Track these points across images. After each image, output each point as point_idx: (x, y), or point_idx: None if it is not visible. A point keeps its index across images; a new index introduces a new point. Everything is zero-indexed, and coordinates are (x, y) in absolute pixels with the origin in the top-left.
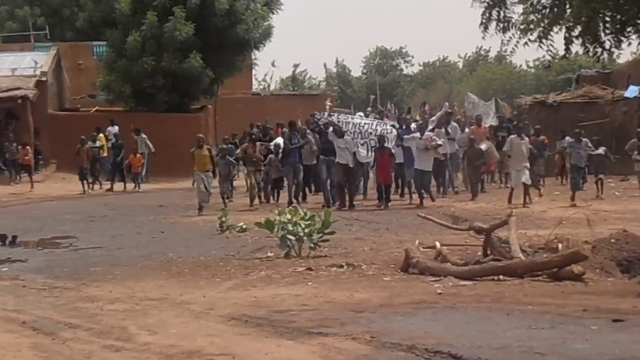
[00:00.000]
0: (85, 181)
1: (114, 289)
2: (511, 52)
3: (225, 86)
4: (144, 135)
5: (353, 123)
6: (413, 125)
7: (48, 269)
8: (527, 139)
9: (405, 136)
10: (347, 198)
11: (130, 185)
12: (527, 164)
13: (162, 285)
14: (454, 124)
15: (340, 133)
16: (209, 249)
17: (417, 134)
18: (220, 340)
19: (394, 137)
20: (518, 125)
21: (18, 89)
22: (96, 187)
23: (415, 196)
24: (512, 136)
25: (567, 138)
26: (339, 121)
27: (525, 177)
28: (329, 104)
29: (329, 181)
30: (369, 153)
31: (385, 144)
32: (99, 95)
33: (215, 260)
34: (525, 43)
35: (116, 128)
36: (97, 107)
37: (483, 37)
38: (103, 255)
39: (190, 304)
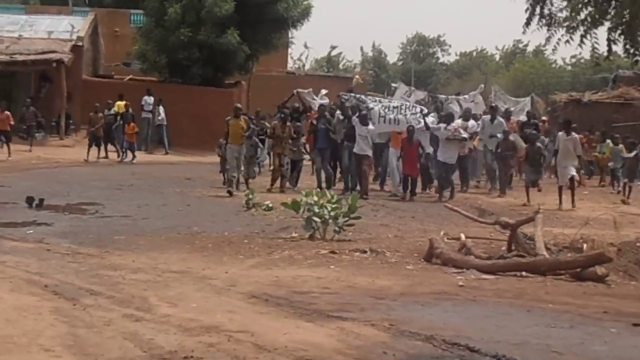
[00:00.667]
0: (92, 148)
1: (137, 258)
2: (553, 50)
3: (261, 63)
4: (161, 108)
5: (382, 105)
6: (431, 119)
7: (73, 235)
8: (575, 135)
9: (431, 125)
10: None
11: (130, 156)
12: (574, 162)
13: (185, 258)
14: (473, 121)
15: (364, 120)
16: (233, 225)
17: (443, 125)
18: (240, 318)
19: (420, 120)
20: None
21: (54, 52)
22: (102, 156)
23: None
24: (559, 133)
25: (609, 141)
26: (364, 103)
27: (570, 175)
28: (357, 77)
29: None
30: (393, 124)
31: (414, 135)
32: (133, 64)
33: (240, 237)
34: (567, 41)
35: (152, 99)
36: (131, 76)
37: (524, 32)
38: (128, 224)
39: (211, 279)
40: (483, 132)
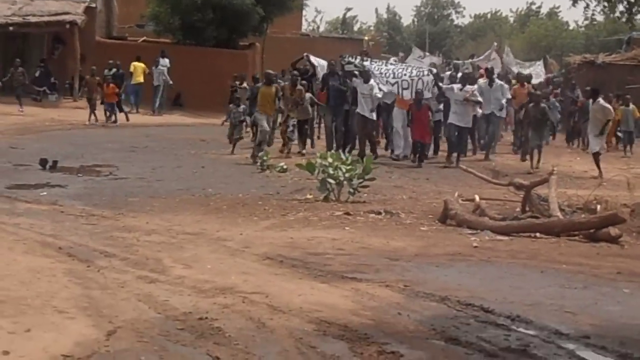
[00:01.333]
0: (93, 113)
1: (151, 220)
2: (592, 20)
3: (275, 25)
4: (162, 67)
5: (387, 69)
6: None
7: (87, 196)
8: (601, 101)
9: (444, 86)
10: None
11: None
12: (599, 134)
13: (199, 220)
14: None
15: (367, 77)
16: (248, 187)
17: (458, 85)
18: (255, 279)
19: (431, 82)
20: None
21: (67, 13)
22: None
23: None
24: (589, 100)
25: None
26: (369, 68)
27: (594, 151)
28: (366, 38)
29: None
30: (399, 92)
31: (423, 99)
32: (147, 25)
33: (254, 198)
34: (587, 5)
35: (167, 61)
36: (144, 38)
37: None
38: (142, 186)
39: (226, 240)
40: (482, 98)
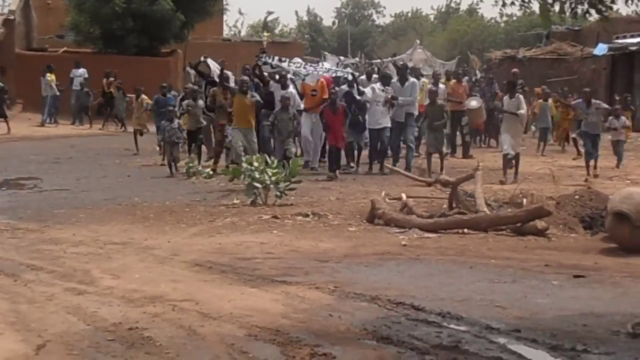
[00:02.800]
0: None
1: (78, 231)
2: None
3: (196, 31)
4: (49, 77)
5: (305, 68)
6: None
7: (11, 210)
8: (520, 96)
9: (364, 89)
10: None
11: None
12: (519, 132)
13: (126, 229)
14: (442, 86)
15: (284, 84)
16: (174, 194)
17: (377, 85)
18: (184, 286)
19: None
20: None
21: None
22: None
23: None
24: (504, 96)
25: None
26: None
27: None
28: (265, 36)
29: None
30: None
31: (338, 100)
32: (67, 36)
33: (181, 205)
34: (512, 2)
35: (83, 71)
36: (65, 48)
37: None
38: (67, 198)
39: (154, 249)
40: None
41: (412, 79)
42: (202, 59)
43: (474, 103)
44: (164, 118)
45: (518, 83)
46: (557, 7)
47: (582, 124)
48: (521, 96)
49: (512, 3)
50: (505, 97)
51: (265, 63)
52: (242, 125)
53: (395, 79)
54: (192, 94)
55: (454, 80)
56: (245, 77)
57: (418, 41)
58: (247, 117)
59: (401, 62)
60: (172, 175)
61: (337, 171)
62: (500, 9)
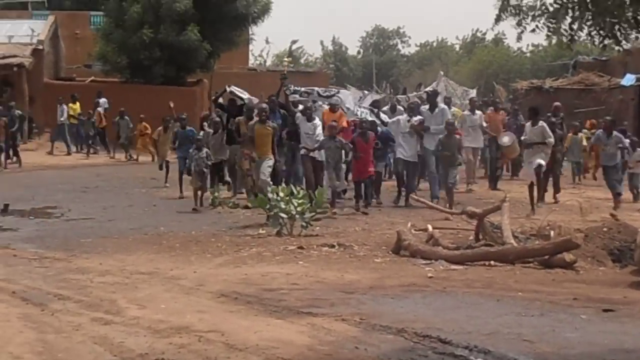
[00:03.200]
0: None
1: (105, 261)
2: (518, 38)
3: (222, 60)
4: (65, 107)
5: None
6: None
7: (39, 239)
8: (542, 123)
9: (388, 119)
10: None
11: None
12: (542, 154)
13: (152, 259)
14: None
15: (309, 116)
16: (200, 224)
17: (404, 116)
18: (210, 317)
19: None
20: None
21: (14, 56)
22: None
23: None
24: (527, 123)
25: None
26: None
27: (536, 164)
28: (285, 62)
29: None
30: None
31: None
32: (95, 65)
33: (207, 235)
34: (533, 30)
35: (104, 100)
36: (92, 77)
37: (497, 22)
38: (94, 227)
39: (180, 279)
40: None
41: (442, 105)
42: (226, 88)
43: (506, 139)
44: (184, 151)
45: (559, 116)
46: (577, 35)
47: (601, 155)
48: (544, 124)
49: (534, 30)
50: (528, 125)
51: (294, 92)
52: (261, 154)
53: (425, 106)
54: (214, 126)
55: (491, 109)
56: (264, 106)
57: (442, 72)
58: (266, 146)
59: (430, 89)
60: (198, 207)
61: (366, 203)
62: (518, 33)
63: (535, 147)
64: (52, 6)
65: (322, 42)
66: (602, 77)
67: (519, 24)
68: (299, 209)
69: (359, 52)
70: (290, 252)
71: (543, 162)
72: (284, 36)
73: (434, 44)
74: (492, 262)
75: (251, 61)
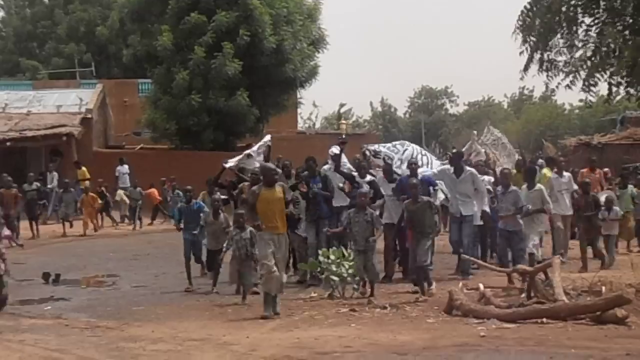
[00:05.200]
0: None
1: (157, 328)
2: (552, 92)
3: (271, 124)
4: (55, 174)
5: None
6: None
7: (91, 308)
8: (540, 186)
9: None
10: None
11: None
12: (539, 227)
13: (204, 325)
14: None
15: (391, 176)
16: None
17: (450, 167)
18: None
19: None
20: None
21: (63, 126)
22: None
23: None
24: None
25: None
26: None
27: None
28: (343, 123)
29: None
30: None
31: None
32: (144, 132)
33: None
34: (567, 86)
35: (126, 167)
36: (142, 145)
37: (521, 78)
38: (146, 294)
39: (233, 344)
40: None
41: (469, 169)
42: (223, 166)
43: (603, 199)
44: (191, 232)
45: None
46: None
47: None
48: (543, 188)
49: (568, 86)
50: (524, 188)
51: (376, 154)
52: (271, 226)
53: (450, 168)
54: (215, 206)
55: (586, 169)
56: (271, 165)
57: (475, 132)
58: (274, 217)
59: (454, 149)
60: (244, 301)
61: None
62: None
63: (531, 217)
64: (100, 75)
65: (371, 104)
66: None
67: (549, 82)
68: (350, 271)
69: (406, 113)
70: (342, 315)
71: (536, 245)
72: (333, 99)
73: (482, 102)
74: (544, 320)
75: (300, 124)
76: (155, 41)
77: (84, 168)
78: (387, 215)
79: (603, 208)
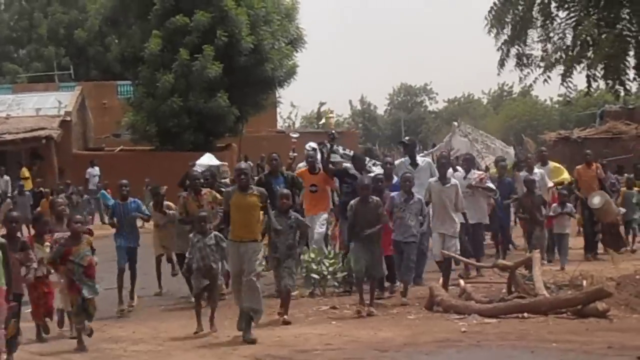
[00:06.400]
0: None
1: (138, 329)
2: (529, 87)
3: (250, 124)
4: (7, 177)
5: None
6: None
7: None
8: (454, 181)
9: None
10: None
11: None
12: (454, 224)
13: (185, 325)
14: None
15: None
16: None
17: (460, 172)
18: None
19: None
20: None
21: (42, 129)
22: None
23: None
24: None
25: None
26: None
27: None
28: (330, 114)
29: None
30: None
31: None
32: (123, 134)
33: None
34: (545, 80)
35: (97, 169)
36: (121, 147)
37: (498, 74)
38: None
39: (214, 344)
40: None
41: (424, 160)
42: (189, 166)
43: (595, 201)
44: (125, 237)
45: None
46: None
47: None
48: (458, 183)
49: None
50: (435, 182)
51: (333, 152)
52: (245, 236)
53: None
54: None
55: (581, 166)
56: (243, 165)
57: (456, 123)
58: (251, 224)
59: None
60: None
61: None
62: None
63: (443, 210)
64: (78, 77)
65: (350, 102)
66: (629, 125)
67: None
68: (330, 269)
69: (386, 111)
70: (323, 313)
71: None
72: (312, 98)
73: (462, 99)
74: (525, 314)
75: (280, 124)
76: (141, 44)
77: (24, 168)
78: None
79: (556, 205)
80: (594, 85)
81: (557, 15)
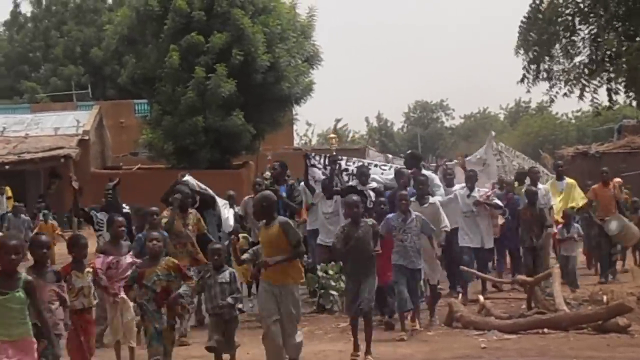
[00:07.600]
0: None
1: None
2: (551, 101)
3: (267, 142)
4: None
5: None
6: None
7: None
8: (433, 200)
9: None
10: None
11: None
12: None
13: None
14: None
15: (330, 193)
16: (248, 303)
17: (462, 188)
18: None
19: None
20: None
21: (61, 148)
22: None
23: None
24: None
25: None
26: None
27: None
28: (332, 136)
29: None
30: None
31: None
32: (141, 152)
33: (258, 316)
34: (565, 94)
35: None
36: (139, 165)
37: (528, 90)
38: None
39: None
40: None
41: (427, 173)
42: (179, 177)
43: (613, 227)
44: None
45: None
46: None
47: None
48: (438, 202)
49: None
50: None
51: (312, 165)
52: (274, 278)
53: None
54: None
55: (596, 184)
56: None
57: (493, 133)
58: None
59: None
60: None
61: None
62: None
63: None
64: (96, 96)
65: (367, 119)
66: None
67: (548, 91)
68: None
69: (403, 128)
70: (342, 329)
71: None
72: (329, 115)
73: (478, 115)
74: (545, 330)
75: (296, 141)
76: (156, 62)
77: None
78: (323, 236)
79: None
80: (614, 99)
81: (580, 29)
